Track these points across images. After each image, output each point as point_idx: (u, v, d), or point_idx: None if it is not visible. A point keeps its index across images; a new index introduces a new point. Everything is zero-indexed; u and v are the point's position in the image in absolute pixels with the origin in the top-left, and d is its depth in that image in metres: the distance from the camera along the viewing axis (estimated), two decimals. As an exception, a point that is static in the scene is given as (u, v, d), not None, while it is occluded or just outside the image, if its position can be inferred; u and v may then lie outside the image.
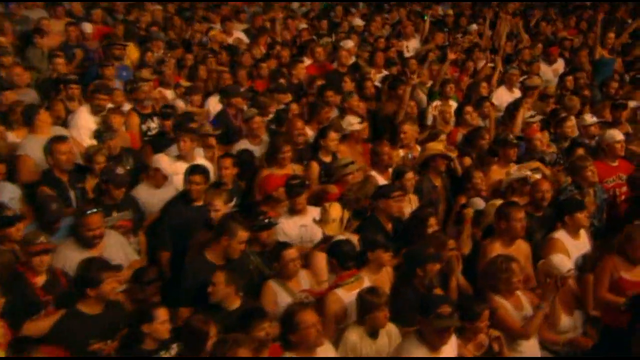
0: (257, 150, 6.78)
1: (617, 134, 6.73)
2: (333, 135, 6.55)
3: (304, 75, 8.88)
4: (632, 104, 8.37)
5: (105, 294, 4.21)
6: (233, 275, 4.54)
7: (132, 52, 9.45)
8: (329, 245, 4.98)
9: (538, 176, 6.48)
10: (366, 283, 4.76)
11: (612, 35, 10.33)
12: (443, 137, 7.23)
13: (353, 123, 6.97)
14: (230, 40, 10.60)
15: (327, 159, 6.55)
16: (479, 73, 9.62)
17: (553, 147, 7.54)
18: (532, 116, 7.45)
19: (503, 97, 8.85)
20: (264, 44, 10.20)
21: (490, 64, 9.71)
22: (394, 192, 5.65)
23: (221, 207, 5.41)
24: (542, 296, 4.96)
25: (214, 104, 8.08)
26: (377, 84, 9.07)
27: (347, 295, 4.66)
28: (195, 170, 5.59)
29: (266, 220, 5.20)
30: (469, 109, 7.80)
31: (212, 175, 6.19)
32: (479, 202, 5.82)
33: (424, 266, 4.88)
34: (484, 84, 8.74)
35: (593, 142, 7.36)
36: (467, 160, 7.17)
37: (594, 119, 7.41)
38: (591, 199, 6.00)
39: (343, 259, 4.79)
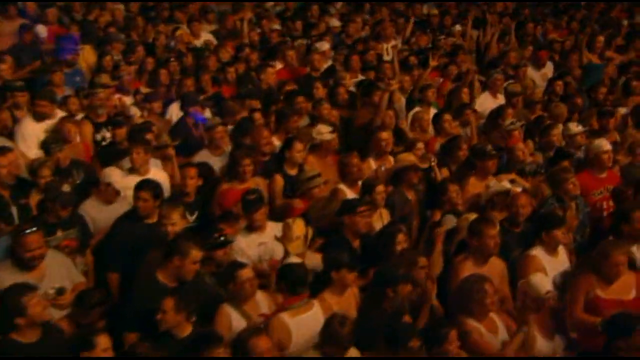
0: (219, 161, 6.82)
1: (604, 144, 6.85)
2: (298, 146, 6.62)
3: (274, 80, 8.94)
4: (622, 111, 8.52)
5: (34, 318, 4.22)
6: (184, 300, 4.57)
7: (89, 56, 9.49)
8: (279, 268, 5.03)
9: (518, 189, 6.59)
10: (315, 308, 4.81)
11: (600, 38, 10.47)
12: (420, 145, 7.31)
13: (323, 132, 7.03)
14: (198, 43, 10.67)
15: (293, 171, 6.61)
16: (464, 78, 9.75)
17: (539, 157, 7.67)
18: (512, 123, 7.52)
19: (486, 103, 8.96)
20: (232, 47, 10.26)
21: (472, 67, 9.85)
22: (360, 207, 5.72)
23: (178, 221, 5.44)
24: (520, 319, 5.04)
25: (176, 112, 8.13)
26: (352, 89, 9.18)
27: (292, 320, 4.71)
28: (143, 185, 5.62)
29: (221, 238, 5.24)
30: (447, 116, 7.90)
31: (168, 189, 6.23)
32: (451, 220, 5.90)
33: (395, 287, 4.94)
34: (465, 90, 8.84)
35: (580, 152, 7.49)
36: (445, 172, 7.28)
37: (580, 128, 7.52)
38: (573, 213, 6.11)
39: (292, 283, 4.83)
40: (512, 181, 6.67)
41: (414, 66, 9.83)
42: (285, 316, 4.73)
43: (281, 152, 6.71)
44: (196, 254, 4.88)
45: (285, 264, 5.05)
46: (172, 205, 5.53)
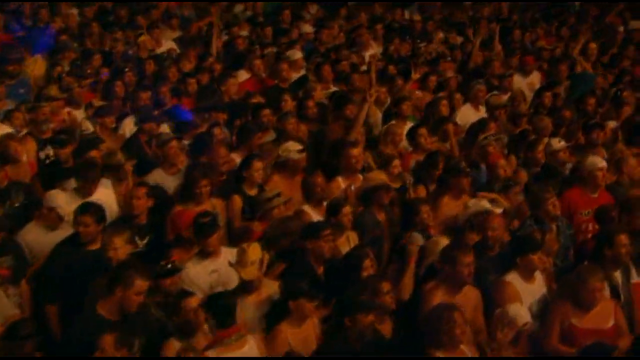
0: (173, 180, 6.82)
1: (599, 161, 6.94)
2: (257, 164, 6.65)
3: (237, 91, 8.97)
4: (611, 124, 8.62)
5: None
6: (125, 335, 4.55)
7: (38, 66, 9.49)
8: (205, 299, 5.02)
9: (498, 209, 6.64)
10: (249, 345, 4.80)
11: (593, 46, 10.61)
12: (396, 163, 7.36)
13: (290, 150, 7.07)
14: (160, 51, 10.70)
15: (252, 191, 6.63)
16: (446, 88, 9.85)
17: (523, 174, 7.74)
18: (485, 139, 7.59)
19: (468, 116, 9.05)
20: (195, 56, 10.31)
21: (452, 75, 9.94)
22: (323, 230, 5.74)
23: (121, 247, 5.42)
24: (495, 351, 5.07)
25: (130, 127, 8.14)
26: (324, 101, 9.25)
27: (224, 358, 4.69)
28: (85, 209, 5.62)
29: (168, 266, 5.23)
30: (423, 130, 7.97)
31: (116, 212, 6.23)
32: (418, 239, 5.94)
33: (353, 317, 4.96)
34: (444, 102, 8.92)
35: (566, 169, 7.57)
36: (422, 191, 7.33)
37: (562, 144, 7.61)
38: (553, 237, 6.16)
39: (220, 314, 4.82)
40: (492, 201, 6.74)
41: (393, 77, 9.93)
42: (213, 354, 4.69)
43: (240, 170, 6.72)
44: (141, 284, 4.86)
45: (210, 294, 5.05)
46: (115, 230, 5.53)
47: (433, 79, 9.81)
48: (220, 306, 4.82)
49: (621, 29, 12.44)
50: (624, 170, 7.35)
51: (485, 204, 6.43)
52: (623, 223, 6.17)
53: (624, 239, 5.71)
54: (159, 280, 5.18)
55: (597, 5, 14.41)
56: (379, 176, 6.68)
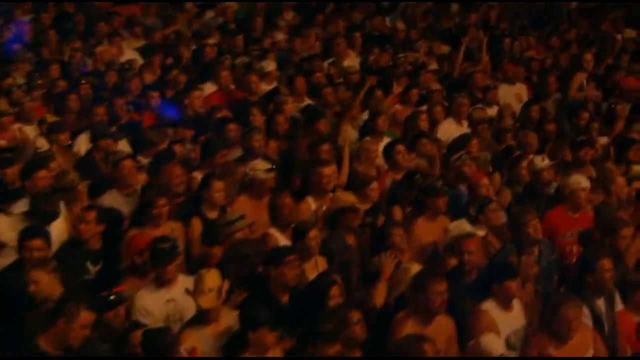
0: (129, 202, 6.86)
1: (582, 181, 7.05)
2: (218, 184, 6.71)
3: (202, 105, 9.01)
4: (602, 140, 8.74)
5: None
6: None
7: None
8: (143, 332, 5.02)
9: (481, 232, 6.73)
10: None
11: (588, 56, 10.75)
12: (374, 186, 7.40)
13: (257, 168, 7.12)
14: (122, 61, 10.75)
15: (213, 214, 6.68)
16: (429, 101, 9.95)
17: (507, 193, 7.84)
18: (459, 157, 7.68)
19: (450, 131, 9.16)
20: (159, 66, 10.37)
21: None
22: (287, 256, 5.79)
23: (42, 279, 5.35)
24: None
25: (85, 144, 8.17)
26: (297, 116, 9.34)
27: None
28: (30, 233, 5.64)
29: (111, 297, 5.25)
30: (400, 147, 8.05)
31: (64, 236, 6.25)
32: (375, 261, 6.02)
33: (316, 348, 5.00)
34: (423, 116, 9.03)
35: (551, 189, 7.67)
36: (397, 212, 7.41)
37: (546, 162, 7.71)
38: (531, 261, 6.22)
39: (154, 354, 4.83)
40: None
41: (372, 90, 10.03)
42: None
43: (199, 191, 6.77)
44: (86, 316, 4.87)
45: (147, 329, 5.08)
46: (34, 263, 5.51)
47: (414, 91, 9.90)
48: (155, 343, 4.84)
49: (619, 37, 12.59)
50: (612, 190, 7.46)
51: (467, 227, 6.52)
52: (606, 247, 6.26)
53: (606, 264, 5.81)
54: (102, 312, 5.18)
55: (591, 13, 14.62)
56: (347, 197, 6.75)
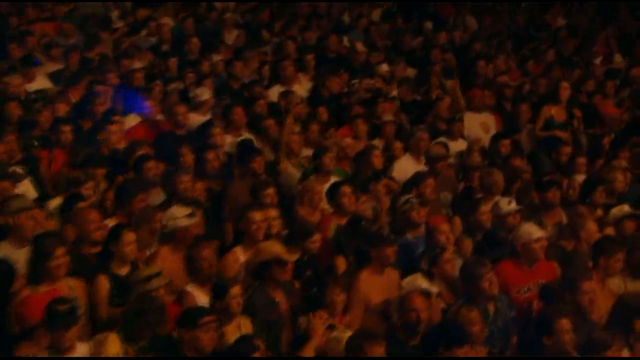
0: (24, 255, 6.86)
1: (534, 231, 7.18)
2: (129, 236, 6.77)
3: (120, 140, 9.10)
4: (579, 178, 8.94)
5: None
6: None
7: None
8: None
9: (435, 289, 6.85)
10: None
11: (565, 85, 11.02)
12: (316, 238, 7.49)
13: (176, 216, 7.21)
14: (32, 89, 10.79)
15: (123, 270, 6.75)
16: (382, 135, 10.14)
17: (468, 242, 7.99)
18: (407, 202, 7.82)
19: (407, 169, 9.33)
20: (78, 95, 10.45)
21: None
22: (202, 317, 5.87)
23: None
24: None
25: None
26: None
27: None
28: None
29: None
30: (346, 189, 8.19)
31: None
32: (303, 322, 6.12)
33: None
34: (377, 152, 9.19)
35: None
36: (341, 263, 7.53)
37: (512, 206, 7.88)
38: (474, 318, 6.28)
39: None
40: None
41: (322, 121, 10.19)
42: None
43: (107, 244, 6.85)
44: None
45: None
46: None
47: (360, 123, 10.07)
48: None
49: (598, 61, 12.94)
50: (582, 237, 7.64)
51: (423, 283, 6.67)
52: (566, 303, 6.41)
53: (565, 324, 5.96)
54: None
55: (581, 32, 15.03)
56: (273, 247, 6.85)
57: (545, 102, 10.89)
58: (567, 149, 9.89)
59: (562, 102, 11.05)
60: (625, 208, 8.05)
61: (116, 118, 9.32)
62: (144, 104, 10.12)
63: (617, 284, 7.28)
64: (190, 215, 7.28)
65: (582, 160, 9.59)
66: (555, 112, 10.88)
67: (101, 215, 7.40)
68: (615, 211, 8.06)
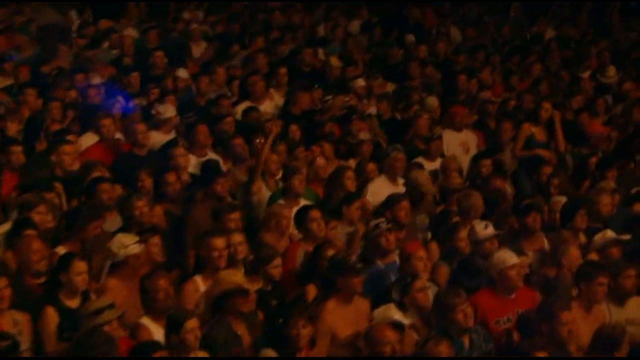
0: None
1: (509, 257, 7.24)
2: (79, 266, 6.76)
3: (73, 162, 9.10)
4: (561, 200, 9.00)
5: None
6: None
7: None
8: None
9: (407, 321, 6.88)
10: None
11: (547, 106, 11.12)
12: (277, 262, 7.53)
13: (125, 244, 7.22)
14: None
15: (73, 302, 6.74)
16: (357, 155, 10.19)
17: (444, 269, 8.03)
18: (376, 227, 7.86)
19: (382, 191, 9.35)
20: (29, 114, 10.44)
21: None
22: (154, 352, 5.88)
23: None
24: None
25: None
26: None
27: None
28: None
29: None
30: (314, 213, 8.23)
31: None
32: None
33: None
34: (349, 174, 9.23)
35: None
36: (311, 292, 7.54)
37: (489, 230, 7.93)
38: (443, 352, 6.28)
39: None
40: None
41: (294, 141, 10.22)
42: None
43: (55, 274, 6.85)
44: None
45: None
46: None
47: (326, 145, 10.13)
48: None
49: (586, 75, 13.08)
50: (564, 264, 7.71)
51: (395, 314, 6.71)
52: (544, 335, 6.46)
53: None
54: None
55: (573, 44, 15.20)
56: (234, 276, 6.86)
57: (524, 120, 10.96)
58: (548, 170, 9.97)
59: (542, 122, 11.15)
60: (609, 234, 8.10)
61: (71, 138, 9.31)
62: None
63: (602, 311, 7.34)
64: (141, 242, 7.30)
65: (555, 181, 9.63)
66: (536, 132, 11.00)
67: (46, 244, 7.35)
68: (599, 237, 8.12)
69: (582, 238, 8.43)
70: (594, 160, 10.28)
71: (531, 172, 10.09)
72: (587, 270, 7.29)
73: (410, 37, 14.94)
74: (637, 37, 16.09)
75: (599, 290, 7.25)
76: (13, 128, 9.92)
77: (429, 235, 8.90)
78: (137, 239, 7.27)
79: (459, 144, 10.81)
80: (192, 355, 6.34)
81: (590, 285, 7.19)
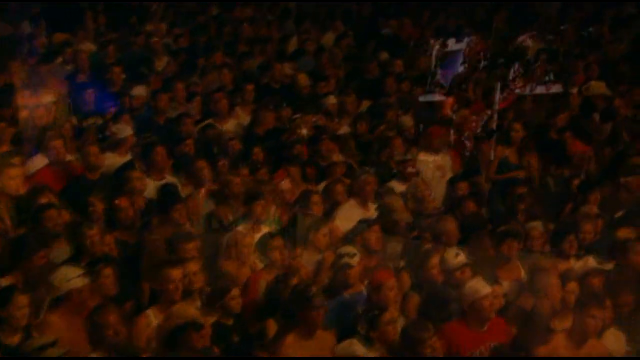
0: None
1: (481, 287, 7.31)
2: (21, 300, 6.73)
3: (18, 187, 9.08)
4: (538, 227, 9.06)
5: None
6: None
7: None
8: None
9: (372, 355, 6.90)
10: None
11: (517, 127, 11.25)
12: (234, 293, 7.54)
13: (68, 277, 7.18)
14: None
15: (14, 339, 6.72)
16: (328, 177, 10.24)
17: (415, 298, 8.06)
18: (345, 255, 7.88)
19: (352, 216, 9.42)
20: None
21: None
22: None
23: None
24: None
25: None
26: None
27: None
28: None
29: None
30: (277, 241, 8.27)
31: None
32: None
33: None
34: (316, 198, 9.27)
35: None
36: (272, 327, 7.55)
37: (461, 258, 7.99)
38: None
39: None
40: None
41: (257, 163, 10.25)
42: None
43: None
44: None
45: None
46: None
47: (291, 168, 10.20)
48: None
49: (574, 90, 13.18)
50: (542, 294, 7.76)
51: (359, 349, 6.73)
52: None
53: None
54: None
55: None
56: (187, 309, 6.88)
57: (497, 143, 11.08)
58: (522, 189, 10.06)
59: (514, 144, 11.33)
60: (590, 262, 8.17)
61: (15, 161, 9.30)
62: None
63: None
64: (86, 274, 7.29)
65: (521, 206, 9.72)
66: (509, 154, 11.13)
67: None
68: (579, 265, 8.18)
69: (570, 264, 8.48)
70: (576, 182, 10.37)
71: (504, 195, 10.16)
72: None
73: (384, 54, 15.03)
74: (627, 49, 16.21)
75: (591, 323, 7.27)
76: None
77: (401, 263, 8.95)
78: (81, 271, 7.24)
79: (435, 167, 10.88)
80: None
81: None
